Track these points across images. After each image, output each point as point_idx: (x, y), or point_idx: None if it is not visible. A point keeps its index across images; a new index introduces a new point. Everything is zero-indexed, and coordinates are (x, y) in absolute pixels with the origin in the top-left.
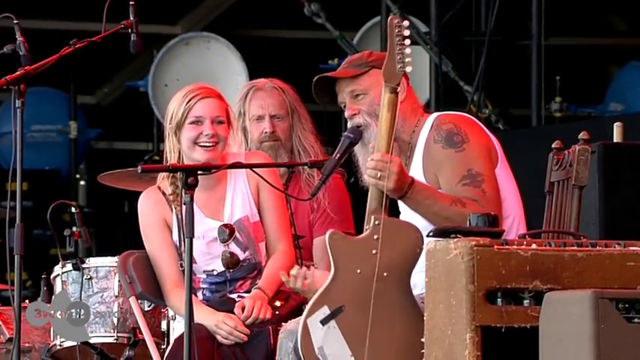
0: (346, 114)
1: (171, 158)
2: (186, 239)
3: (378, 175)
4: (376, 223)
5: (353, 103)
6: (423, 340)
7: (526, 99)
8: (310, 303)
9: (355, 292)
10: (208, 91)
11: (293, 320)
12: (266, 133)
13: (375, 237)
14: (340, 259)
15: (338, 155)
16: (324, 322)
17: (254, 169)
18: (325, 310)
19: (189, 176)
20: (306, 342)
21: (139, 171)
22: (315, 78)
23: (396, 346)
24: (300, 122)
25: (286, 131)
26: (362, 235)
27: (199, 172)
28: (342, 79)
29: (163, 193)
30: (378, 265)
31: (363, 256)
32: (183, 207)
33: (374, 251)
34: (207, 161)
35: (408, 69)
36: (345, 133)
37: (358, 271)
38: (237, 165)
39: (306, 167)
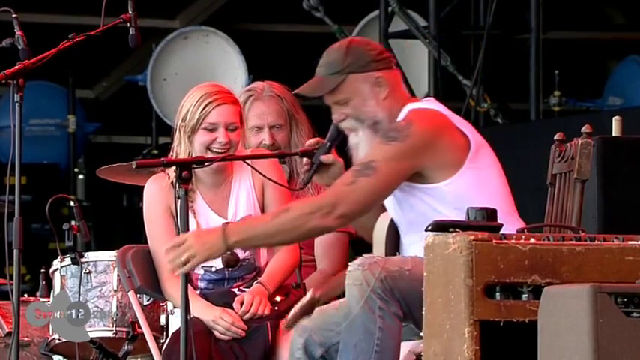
0: (334, 119)
1: (180, 152)
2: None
3: (185, 259)
4: None
5: (338, 109)
6: (421, 333)
7: (525, 93)
8: None
9: None
10: (224, 96)
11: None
12: (265, 144)
13: None
14: None
15: (328, 143)
16: None
17: (246, 162)
18: None
19: (183, 170)
20: None
21: (134, 167)
22: (294, 92)
23: None
24: (297, 128)
25: (285, 139)
26: None
27: (194, 166)
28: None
29: (172, 182)
30: None
31: None
32: (179, 201)
33: None
34: (218, 164)
35: None
36: (335, 123)
37: None
38: (232, 157)
39: (300, 173)
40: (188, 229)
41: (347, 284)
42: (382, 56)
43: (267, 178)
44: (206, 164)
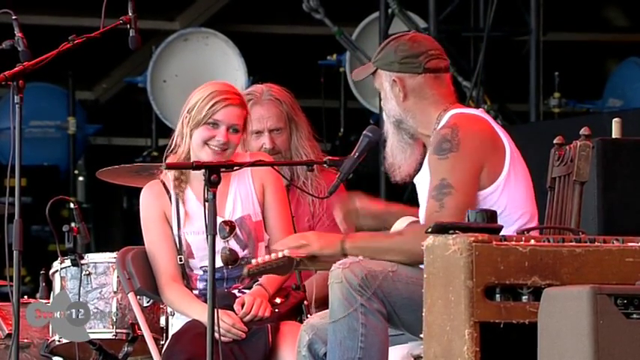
0: None
1: (180, 143)
2: (208, 236)
3: (300, 245)
4: None
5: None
6: (421, 335)
7: (525, 94)
8: None
9: None
10: (234, 98)
11: (317, 314)
12: (266, 148)
13: None
14: None
15: (357, 154)
16: None
17: (275, 167)
18: None
19: (212, 174)
20: None
21: (164, 168)
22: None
23: None
24: (297, 131)
25: (285, 142)
26: None
27: (222, 170)
28: None
29: (165, 187)
30: None
31: None
32: (204, 204)
33: None
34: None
35: None
36: (365, 132)
37: None
38: (259, 163)
39: (301, 176)
40: (216, 232)
41: (329, 283)
42: (410, 60)
43: (284, 176)
44: (235, 168)
